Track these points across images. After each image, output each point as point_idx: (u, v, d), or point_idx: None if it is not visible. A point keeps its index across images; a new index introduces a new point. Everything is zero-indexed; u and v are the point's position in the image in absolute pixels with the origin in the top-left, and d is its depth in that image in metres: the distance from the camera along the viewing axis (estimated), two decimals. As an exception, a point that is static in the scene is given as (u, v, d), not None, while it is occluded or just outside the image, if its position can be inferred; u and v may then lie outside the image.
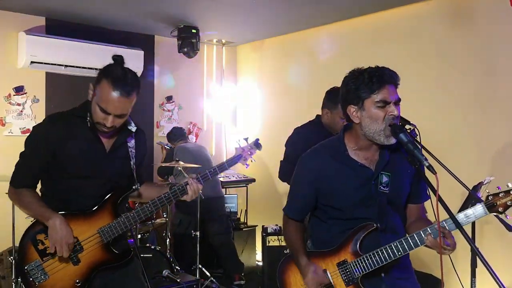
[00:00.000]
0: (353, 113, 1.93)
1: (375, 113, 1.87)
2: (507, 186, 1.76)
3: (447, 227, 1.80)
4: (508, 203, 1.74)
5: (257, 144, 2.36)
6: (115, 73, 2.06)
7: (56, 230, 2.07)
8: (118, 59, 2.11)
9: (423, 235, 1.83)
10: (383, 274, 1.98)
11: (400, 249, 1.86)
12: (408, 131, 3.39)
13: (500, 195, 1.75)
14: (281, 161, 3.46)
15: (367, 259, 1.91)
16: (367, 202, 1.97)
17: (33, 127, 2.24)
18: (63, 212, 2.14)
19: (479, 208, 1.78)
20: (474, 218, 1.80)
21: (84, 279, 2.14)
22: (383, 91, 1.86)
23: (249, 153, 2.32)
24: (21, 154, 2.22)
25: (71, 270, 2.13)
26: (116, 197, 2.21)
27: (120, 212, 2.20)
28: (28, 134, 2.24)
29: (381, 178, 1.97)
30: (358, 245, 1.95)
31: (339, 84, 2.06)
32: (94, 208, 2.17)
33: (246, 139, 2.35)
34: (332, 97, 3.15)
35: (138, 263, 2.29)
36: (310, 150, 2.14)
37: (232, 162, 2.26)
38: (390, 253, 1.87)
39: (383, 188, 1.98)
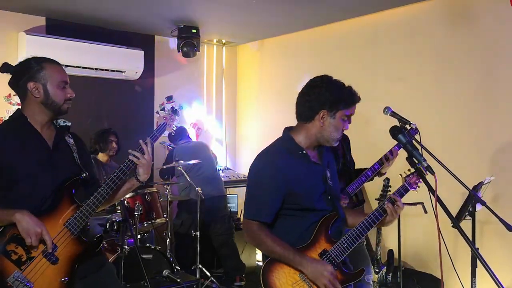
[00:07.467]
0: (322, 117, 2.13)
1: (340, 124, 2.14)
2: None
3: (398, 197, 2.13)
4: (416, 181, 2.16)
5: (174, 111, 2.61)
6: (42, 57, 2.41)
7: (26, 220, 2.03)
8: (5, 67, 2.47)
9: (383, 206, 2.11)
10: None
11: (368, 225, 2.11)
12: (408, 129, 3.43)
13: (410, 176, 2.19)
14: None
15: (343, 244, 2.10)
16: (324, 196, 2.16)
17: None
18: None
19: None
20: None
21: (70, 276, 2.12)
22: (353, 107, 2.17)
23: (171, 119, 2.54)
24: None
25: (53, 270, 2.10)
26: (69, 188, 2.19)
27: (79, 202, 2.20)
28: None
29: (326, 173, 2.21)
30: (330, 234, 2.12)
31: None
32: (52, 205, 2.15)
33: (163, 109, 2.49)
34: None
35: (111, 264, 2.41)
36: (268, 150, 2.23)
37: (160, 130, 2.43)
38: (362, 231, 2.11)
39: (330, 182, 2.21)
